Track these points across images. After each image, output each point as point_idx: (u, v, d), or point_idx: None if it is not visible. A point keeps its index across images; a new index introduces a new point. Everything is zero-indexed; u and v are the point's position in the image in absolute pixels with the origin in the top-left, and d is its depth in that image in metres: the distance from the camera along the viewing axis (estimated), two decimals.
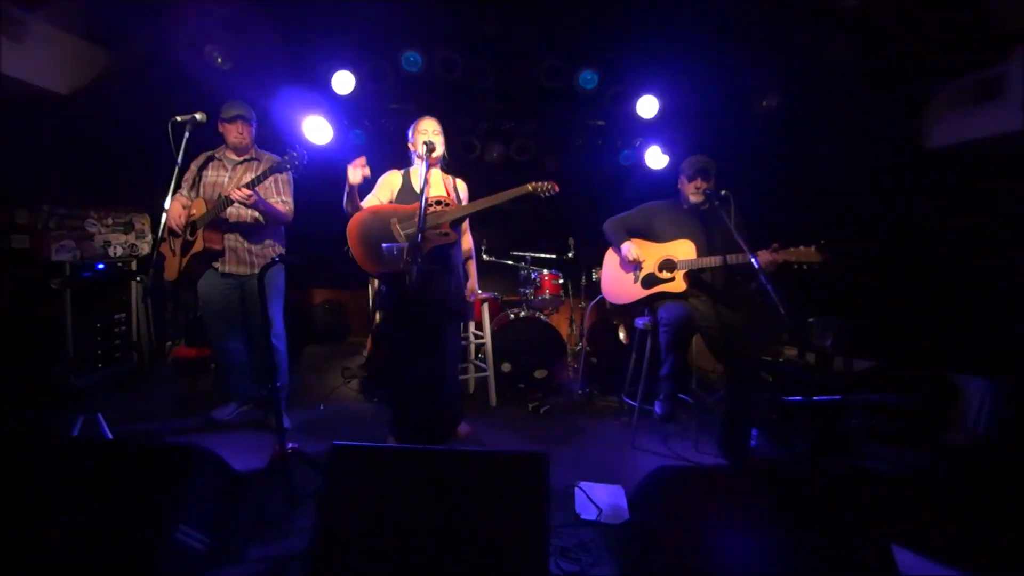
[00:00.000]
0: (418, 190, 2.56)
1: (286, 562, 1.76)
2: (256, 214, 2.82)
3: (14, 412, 3.07)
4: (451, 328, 2.65)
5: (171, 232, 2.80)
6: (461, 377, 3.57)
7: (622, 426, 3.28)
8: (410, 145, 2.69)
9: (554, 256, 4.43)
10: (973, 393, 3.02)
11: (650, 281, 2.83)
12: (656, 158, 4.39)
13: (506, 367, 3.79)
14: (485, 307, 3.67)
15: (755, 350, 3.43)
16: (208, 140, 2.85)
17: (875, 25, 3.26)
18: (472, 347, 3.77)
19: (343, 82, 3.79)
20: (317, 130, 3.94)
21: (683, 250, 2.76)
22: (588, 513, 2.12)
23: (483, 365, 3.66)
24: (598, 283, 3.29)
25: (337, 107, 4.05)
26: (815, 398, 2.92)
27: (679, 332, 2.62)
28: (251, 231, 2.86)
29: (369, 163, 2.43)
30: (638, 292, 2.87)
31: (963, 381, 3.07)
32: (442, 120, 2.68)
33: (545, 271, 4.04)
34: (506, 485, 1.55)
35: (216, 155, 2.91)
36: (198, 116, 2.51)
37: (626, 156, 4.70)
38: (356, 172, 2.39)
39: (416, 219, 2.25)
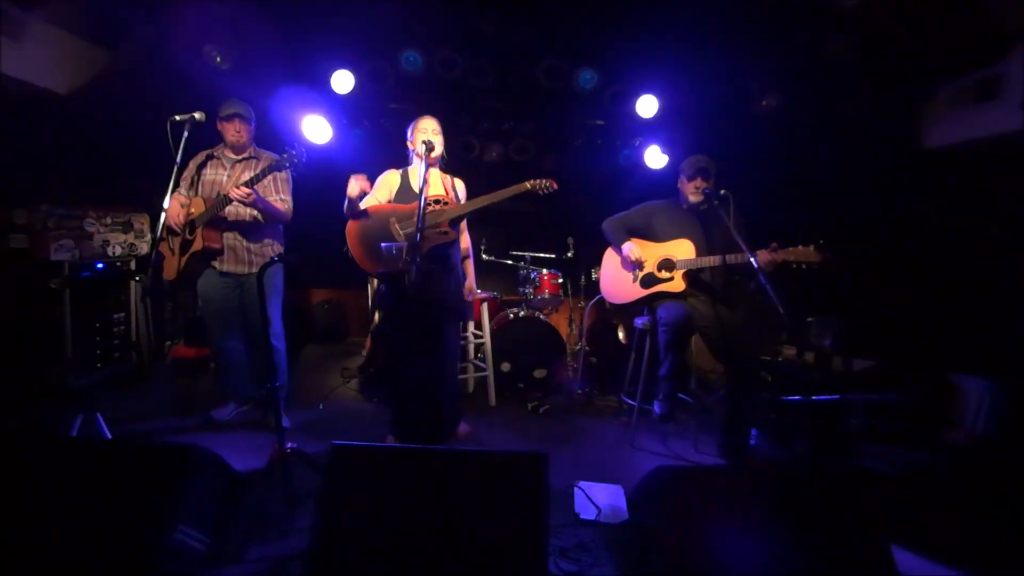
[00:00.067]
0: (417, 189, 2.57)
1: (285, 562, 1.76)
2: (255, 213, 2.82)
3: (13, 412, 3.06)
4: (450, 327, 2.65)
5: (170, 231, 2.79)
6: (460, 377, 3.57)
7: (621, 426, 3.28)
8: (409, 144, 2.69)
9: (553, 256, 4.43)
10: (972, 393, 3.02)
11: (649, 281, 2.83)
12: (655, 158, 4.39)
13: (505, 367, 3.79)
14: (484, 307, 3.67)
15: (754, 350, 3.43)
16: (207, 139, 2.85)
17: (875, 25, 3.26)
18: (471, 347, 3.76)
19: (342, 82, 3.79)
20: (316, 129, 3.94)
21: (682, 250, 2.76)
22: (587, 513, 2.11)
23: (482, 365, 3.66)
24: (597, 283, 3.29)
25: (336, 107, 4.05)
26: (814, 398, 2.92)
27: (678, 332, 2.62)
28: (250, 230, 2.86)
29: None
30: (637, 292, 2.87)
31: (963, 381, 3.08)
32: (441, 120, 2.68)
33: (544, 271, 4.04)
34: (505, 485, 1.55)
35: (215, 154, 2.90)
36: (197, 115, 2.51)
37: (625, 156, 4.70)
38: (355, 185, 2.40)
39: (415, 218, 2.25)
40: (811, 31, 3.46)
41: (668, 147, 4.35)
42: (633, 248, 2.85)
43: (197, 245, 2.74)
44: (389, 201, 2.62)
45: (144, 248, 3.92)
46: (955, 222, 3.47)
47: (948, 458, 2.82)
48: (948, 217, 3.51)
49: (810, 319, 3.44)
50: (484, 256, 4.35)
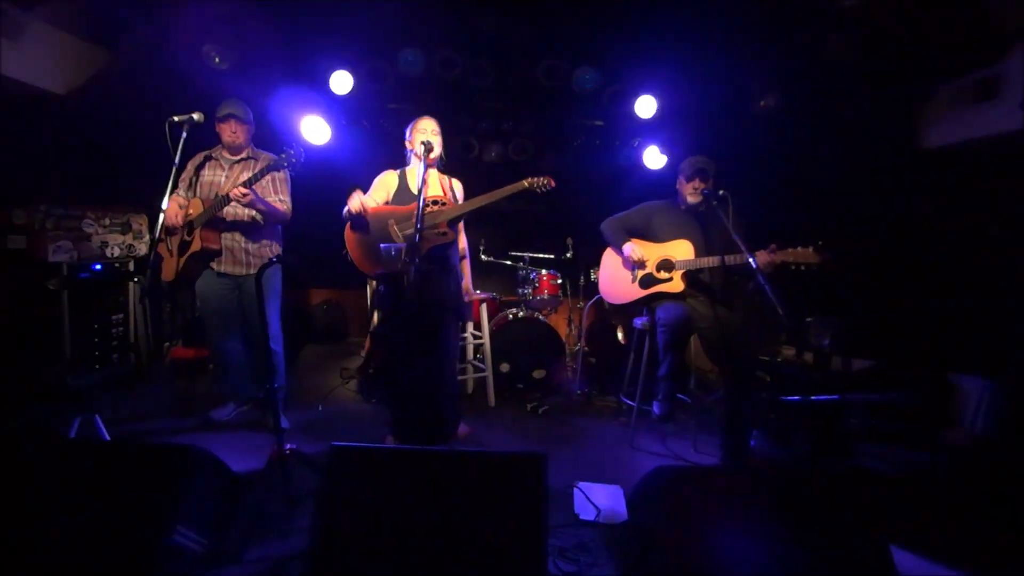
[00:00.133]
0: (415, 190, 2.57)
1: (285, 563, 1.76)
2: (253, 213, 2.82)
3: (12, 413, 3.06)
4: (449, 328, 2.64)
5: (168, 232, 2.79)
6: (459, 377, 3.57)
7: (621, 426, 3.27)
8: (407, 144, 2.69)
9: (552, 256, 4.43)
10: (972, 393, 3.02)
11: (648, 281, 2.83)
12: (654, 158, 4.38)
13: (505, 367, 3.78)
14: (483, 307, 3.67)
15: (753, 350, 3.43)
16: (206, 140, 2.85)
17: (875, 25, 3.26)
18: (470, 347, 3.76)
19: (341, 82, 3.78)
20: (315, 130, 3.93)
21: (681, 250, 2.76)
22: (587, 513, 2.11)
23: (481, 365, 3.66)
24: (596, 283, 3.29)
25: (336, 107, 4.04)
26: (814, 398, 2.92)
27: (677, 332, 2.62)
28: (248, 231, 2.86)
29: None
30: (636, 292, 2.87)
31: (962, 381, 3.08)
32: (441, 120, 2.68)
33: (544, 271, 4.04)
34: (504, 485, 1.55)
35: (213, 155, 2.90)
36: (195, 116, 2.50)
37: (625, 156, 4.69)
38: (357, 202, 2.41)
39: (414, 219, 2.25)
40: (811, 31, 3.46)
41: (667, 147, 4.35)
42: (635, 248, 2.85)
43: (195, 246, 2.73)
44: (387, 202, 2.62)
45: (143, 249, 3.91)
46: (955, 222, 3.47)
47: (948, 458, 2.82)
48: (948, 217, 3.51)
49: (809, 319, 3.44)
50: (483, 256, 4.35)
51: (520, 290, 4.09)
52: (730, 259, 2.54)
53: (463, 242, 2.86)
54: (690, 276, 2.74)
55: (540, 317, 3.94)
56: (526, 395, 3.76)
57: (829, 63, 3.53)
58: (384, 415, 2.86)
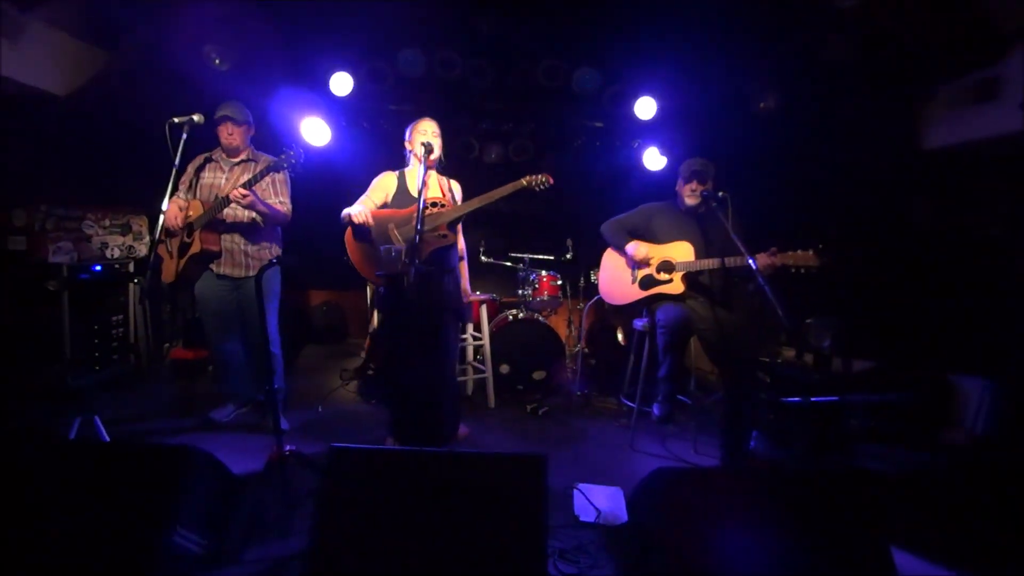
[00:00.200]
0: (414, 192, 2.57)
1: (284, 563, 1.75)
2: (253, 215, 2.82)
3: (12, 413, 3.06)
4: (449, 329, 2.64)
5: (168, 234, 2.79)
6: (459, 379, 3.57)
7: (621, 427, 3.27)
8: (407, 144, 2.69)
9: (552, 257, 4.43)
10: (972, 393, 3.02)
11: (648, 282, 2.83)
12: (654, 159, 4.38)
13: (504, 368, 3.78)
14: (483, 308, 3.66)
15: (752, 352, 3.42)
16: (206, 141, 2.85)
17: (875, 25, 3.26)
18: (470, 348, 3.76)
19: (341, 83, 3.78)
20: (315, 131, 3.93)
21: (681, 252, 2.75)
22: (587, 515, 2.11)
23: (481, 367, 3.66)
24: (596, 284, 3.28)
25: (336, 108, 4.04)
26: (813, 399, 2.92)
27: (676, 334, 2.62)
28: (248, 232, 2.86)
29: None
30: (636, 293, 2.87)
31: (962, 381, 3.07)
32: (441, 121, 2.68)
33: (543, 272, 4.04)
34: (504, 487, 1.55)
35: (213, 156, 2.90)
36: (195, 117, 2.50)
37: (625, 157, 4.69)
38: (362, 215, 2.42)
39: (413, 222, 2.25)
40: (811, 31, 3.46)
41: (667, 148, 4.35)
42: (639, 246, 2.83)
43: (195, 248, 2.73)
44: (385, 204, 2.62)
45: (143, 250, 3.91)
46: (955, 222, 3.47)
47: (948, 458, 2.82)
48: (948, 217, 3.51)
49: (809, 320, 3.44)
50: (483, 258, 4.35)
51: (520, 291, 4.09)
52: (730, 261, 2.54)
53: (461, 243, 2.86)
54: (690, 278, 2.73)
55: (540, 318, 3.94)
56: (526, 396, 3.76)
57: (829, 63, 3.53)
58: (384, 416, 2.85)
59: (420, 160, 2.45)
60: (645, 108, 4.04)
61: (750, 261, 2.32)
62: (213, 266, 2.82)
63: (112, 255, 3.78)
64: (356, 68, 3.81)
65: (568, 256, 4.39)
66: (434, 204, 2.50)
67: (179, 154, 2.44)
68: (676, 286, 2.72)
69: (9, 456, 1.75)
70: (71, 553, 1.49)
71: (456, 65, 3.82)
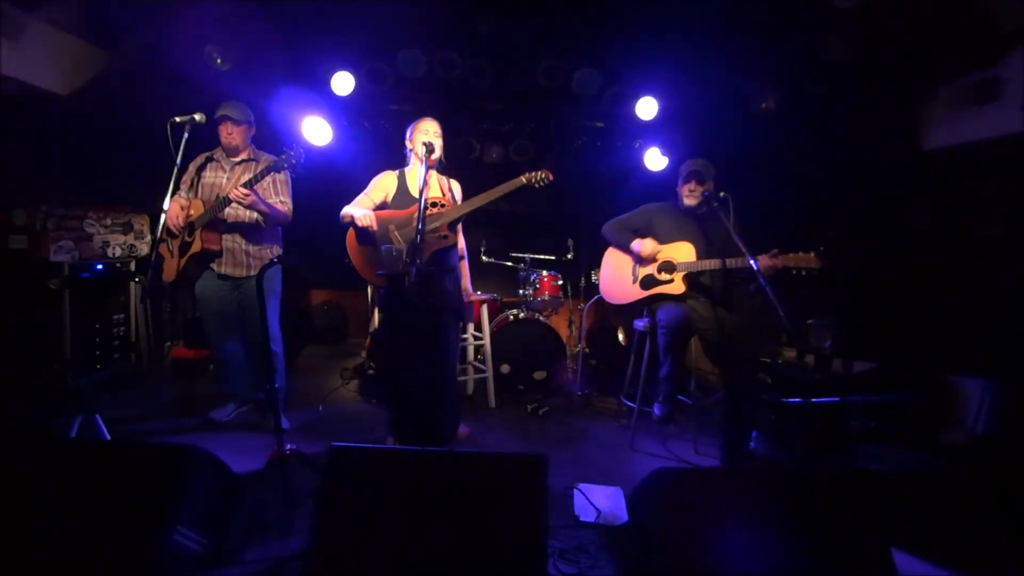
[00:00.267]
0: (414, 192, 2.57)
1: (284, 563, 1.75)
2: (254, 215, 2.82)
3: (12, 413, 3.06)
4: (450, 328, 2.64)
5: (169, 233, 2.80)
6: (460, 378, 3.57)
7: (621, 428, 3.27)
8: (407, 143, 2.69)
9: (553, 257, 4.43)
10: (972, 393, 3.01)
11: (649, 282, 2.83)
12: (655, 159, 4.38)
13: (505, 368, 3.78)
14: (484, 308, 3.66)
15: (753, 352, 3.43)
16: (208, 141, 2.85)
17: (875, 25, 3.26)
18: (471, 348, 3.76)
19: (342, 83, 3.78)
20: (316, 131, 3.94)
21: (683, 252, 2.75)
22: (587, 515, 2.11)
23: (482, 366, 3.66)
24: (597, 284, 3.28)
25: (336, 108, 4.04)
26: (814, 400, 2.92)
27: (677, 334, 2.62)
28: (249, 232, 2.86)
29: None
30: (637, 292, 2.87)
31: (962, 381, 3.07)
32: (441, 121, 2.68)
33: (544, 272, 4.04)
34: (504, 487, 1.55)
35: (214, 156, 2.90)
36: (197, 117, 2.51)
37: (626, 157, 4.69)
38: (366, 219, 2.42)
39: (414, 223, 2.25)
40: (811, 32, 3.46)
41: (668, 149, 4.35)
42: (645, 242, 2.82)
43: (196, 247, 2.74)
44: (385, 203, 2.62)
45: (144, 249, 3.92)
46: (955, 222, 3.47)
47: (948, 458, 2.81)
48: (948, 217, 3.51)
49: (810, 321, 3.44)
50: (484, 258, 4.35)
51: (521, 291, 4.09)
52: (731, 262, 2.54)
53: (462, 243, 2.86)
54: (691, 278, 2.73)
55: (541, 318, 3.94)
56: (526, 396, 3.76)
57: (829, 63, 3.53)
58: (384, 416, 2.85)
59: (421, 160, 2.45)
60: (646, 108, 4.04)
61: (751, 262, 2.32)
62: (214, 265, 2.83)
63: (113, 254, 3.78)
64: (356, 68, 3.81)
65: (569, 256, 4.39)
66: (434, 204, 2.50)
67: (180, 153, 2.45)
68: (677, 286, 2.72)
69: (9, 456, 1.75)
70: (71, 552, 1.49)
71: (456, 65, 3.82)
